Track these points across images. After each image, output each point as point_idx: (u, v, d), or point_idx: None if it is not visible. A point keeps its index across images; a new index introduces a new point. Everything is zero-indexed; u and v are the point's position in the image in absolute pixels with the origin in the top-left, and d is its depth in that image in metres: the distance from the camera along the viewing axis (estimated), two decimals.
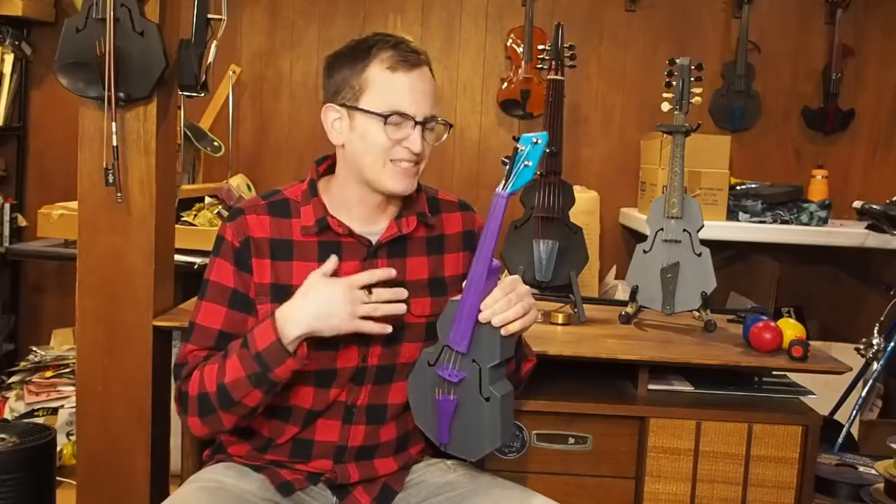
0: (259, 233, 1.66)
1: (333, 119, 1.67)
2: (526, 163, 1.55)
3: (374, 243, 1.68)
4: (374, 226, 1.70)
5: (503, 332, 1.57)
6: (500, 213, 1.56)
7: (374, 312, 1.58)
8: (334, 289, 1.57)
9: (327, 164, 1.75)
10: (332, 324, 1.56)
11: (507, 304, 1.57)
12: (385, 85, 1.61)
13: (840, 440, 3.02)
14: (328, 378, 1.67)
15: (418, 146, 1.62)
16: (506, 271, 2.36)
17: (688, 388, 2.15)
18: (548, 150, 1.60)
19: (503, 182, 1.57)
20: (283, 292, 1.64)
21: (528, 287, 1.63)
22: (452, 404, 1.61)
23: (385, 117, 1.60)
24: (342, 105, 1.65)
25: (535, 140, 1.55)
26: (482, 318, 1.56)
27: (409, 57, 1.61)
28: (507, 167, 1.57)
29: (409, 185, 1.66)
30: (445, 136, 1.72)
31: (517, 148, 1.56)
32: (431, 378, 1.63)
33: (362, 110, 1.62)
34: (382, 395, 1.71)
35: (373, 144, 1.62)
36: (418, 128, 1.62)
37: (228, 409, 1.61)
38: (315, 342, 1.62)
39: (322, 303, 1.56)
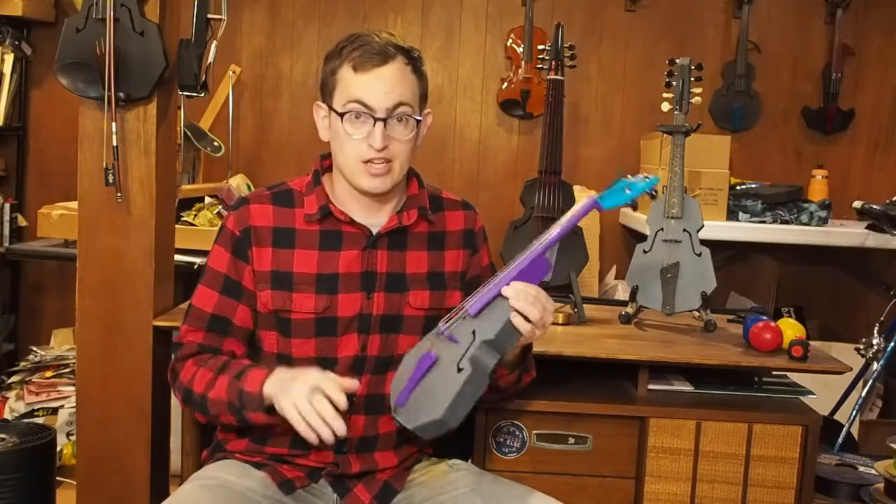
0: (261, 222, 1.71)
1: (322, 116, 1.73)
2: (627, 189, 1.65)
3: (374, 233, 1.71)
4: (374, 218, 1.73)
5: (511, 317, 1.58)
6: (580, 210, 1.65)
7: (307, 415, 1.52)
8: (309, 375, 1.56)
9: (332, 160, 1.77)
10: (281, 401, 1.55)
11: (532, 299, 1.59)
12: (347, 84, 1.65)
13: (840, 440, 3.01)
14: (329, 366, 1.69)
15: (378, 142, 1.63)
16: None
17: (688, 388, 2.15)
18: (650, 192, 1.71)
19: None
20: (283, 279, 1.69)
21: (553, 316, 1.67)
22: (430, 361, 1.62)
23: (342, 115, 1.64)
24: (325, 102, 1.71)
25: (645, 175, 1.66)
26: (504, 290, 1.59)
27: (373, 58, 1.63)
28: (613, 182, 1.68)
29: (381, 185, 1.67)
30: (424, 130, 1.73)
31: (635, 175, 1.68)
32: (432, 334, 1.67)
33: (333, 109, 1.67)
34: (381, 386, 1.73)
35: (344, 143, 1.66)
36: (379, 123, 1.63)
37: (206, 416, 1.69)
38: (317, 329, 1.68)
39: (296, 381, 1.55)
